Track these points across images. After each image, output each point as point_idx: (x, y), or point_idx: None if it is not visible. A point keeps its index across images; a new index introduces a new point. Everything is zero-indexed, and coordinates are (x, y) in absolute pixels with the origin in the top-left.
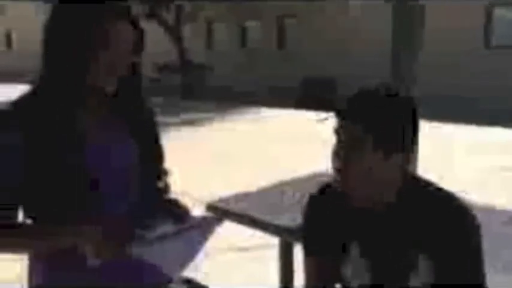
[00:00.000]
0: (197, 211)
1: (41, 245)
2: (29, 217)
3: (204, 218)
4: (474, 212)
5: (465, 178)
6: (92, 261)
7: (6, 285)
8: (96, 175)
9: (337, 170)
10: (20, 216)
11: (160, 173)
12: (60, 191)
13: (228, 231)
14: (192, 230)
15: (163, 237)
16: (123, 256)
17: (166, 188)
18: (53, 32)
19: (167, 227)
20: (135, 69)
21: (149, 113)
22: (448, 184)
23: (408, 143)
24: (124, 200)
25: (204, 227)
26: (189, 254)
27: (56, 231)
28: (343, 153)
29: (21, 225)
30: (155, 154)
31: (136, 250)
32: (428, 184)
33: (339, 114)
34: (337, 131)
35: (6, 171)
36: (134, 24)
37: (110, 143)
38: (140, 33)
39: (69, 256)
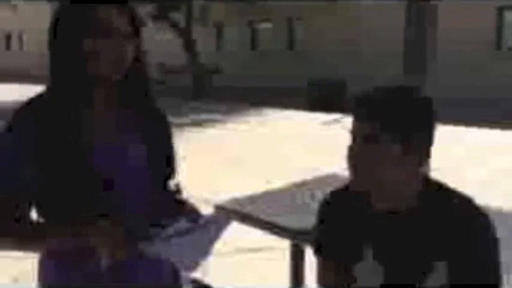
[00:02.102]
0: (206, 212)
1: (54, 243)
2: (42, 216)
3: (214, 217)
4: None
5: (477, 180)
6: (106, 261)
7: (10, 284)
8: (109, 175)
9: (354, 169)
10: (33, 216)
11: (172, 174)
12: (73, 191)
13: (239, 232)
14: (204, 228)
15: (178, 235)
16: (136, 255)
17: (177, 189)
18: (55, 29)
19: (181, 225)
20: (139, 62)
21: (160, 114)
22: (461, 186)
23: (425, 143)
24: (136, 201)
25: (216, 225)
26: (203, 251)
27: (70, 230)
28: (360, 152)
29: (33, 223)
30: (166, 155)
31: (151, 248)
32: (443, 187)
33: (356, 112)
34: (354, 130)
35: (16, 168)
36: (130, 12)
37: (121, 144)
38: (134, 18)
39: (80, 255)
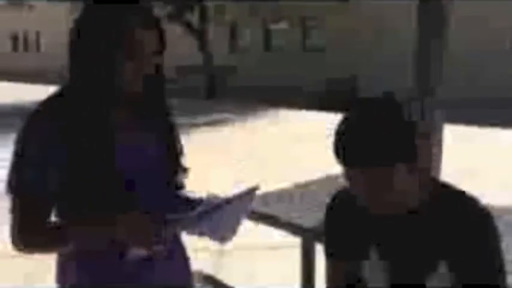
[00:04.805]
0: None
1: (83, 241)
2: (61, 217)
3: (240, 194)
4: (502, 215)
5: (489, 181)
6: (133, 254)
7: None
8: (129, 175)
9: (351, 191)
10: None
11: (179, 171)
12: (93, 192)
13: (254, 231)
14: (231, 203)
15: (206, 212)
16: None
17: (181, 186)
18: (80, 35)
19: (206, 206)
20: (158, 70)
21: (168, 113)
22: (475, 187)
23: (408, 155)
24: (150, 199)
25: (242, 199)
26: (235, 221)
27: (100, 224)
28: (352, 181)
29: (59, 223)
30: (176, 153)
31: (187, 227)
32: (450, 188)
33: (345, 164)
34: (347, 176)
35: (38, 170)
36: (158, 28)
37: (136, 143)
38: (162, 35)
39: (103, 255)
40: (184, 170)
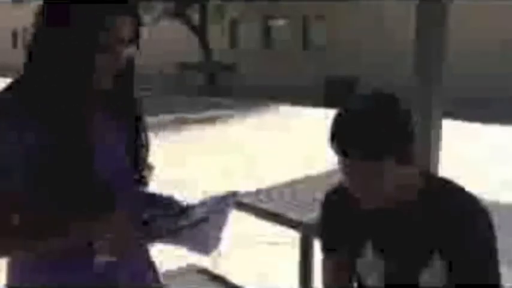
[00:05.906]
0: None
1: (52, 243)
2: (28, 218)
3: (221, 198)
4: (502, 211)
5: (491, 180)
6: (99, 260)
7: None
8: (101, 175)
9: (345, 182)
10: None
11: (146, 168)
12: (65, 193)
13: (254, 226)
14: (216, 213)
15: (191, 226)
16: (135, 249)
17: (146, 183)
18: (48, 23)
19: (192, 217)
20: (130, 62)
21: (138, 110)
22: (474, 184)
23: (405, 144)
24: (120, 198)
25: (224, 206)
26: (217, 231)
27: (70, 228)
28: (344, 172)
29: (25, 224)
30: (143, 150)
31: (170, 239)
32: (446, 183)
33: (339, 154)
34: (342, 168)
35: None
36: (134, 15)
37: (104, 141)
38: (137, 24)
39: (42, 257)
40: (150, 168)
